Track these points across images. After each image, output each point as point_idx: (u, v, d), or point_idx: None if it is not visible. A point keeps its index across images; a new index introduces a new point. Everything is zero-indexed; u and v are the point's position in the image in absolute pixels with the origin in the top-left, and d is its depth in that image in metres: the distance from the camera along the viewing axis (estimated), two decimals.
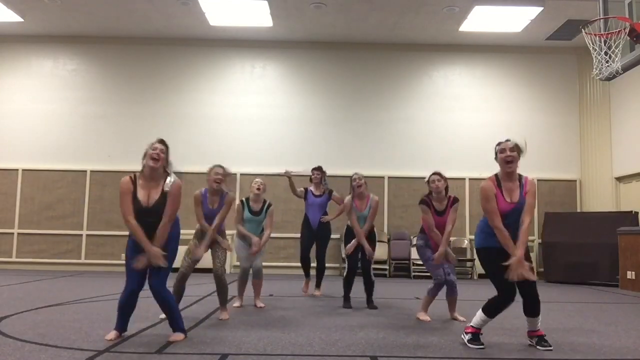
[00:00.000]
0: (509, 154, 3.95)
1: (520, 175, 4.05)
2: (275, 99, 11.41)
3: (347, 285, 6.14)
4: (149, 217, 3.94)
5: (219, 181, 5.06)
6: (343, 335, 4.37)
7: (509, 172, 3.98)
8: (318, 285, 7.23)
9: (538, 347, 3.98)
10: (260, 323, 4.88)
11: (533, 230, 10.57)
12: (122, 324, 4.09)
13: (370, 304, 6.05)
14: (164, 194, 3.98)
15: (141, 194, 3.95)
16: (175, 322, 4.12)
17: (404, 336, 4.37)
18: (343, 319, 5.20)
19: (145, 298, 6.46)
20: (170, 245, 4.06)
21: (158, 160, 3.94)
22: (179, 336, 4.04)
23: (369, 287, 6.10)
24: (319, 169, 7.32)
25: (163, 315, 5.12)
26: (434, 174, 5.18)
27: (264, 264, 6.16)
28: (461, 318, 5.23)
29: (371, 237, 6.06)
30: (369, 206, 5.97)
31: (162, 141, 4.06)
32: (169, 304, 4.09)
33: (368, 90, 11.47)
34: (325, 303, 6.42)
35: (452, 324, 5.10)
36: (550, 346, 3.96)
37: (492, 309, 4.01)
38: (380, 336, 4.35)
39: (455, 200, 5.23)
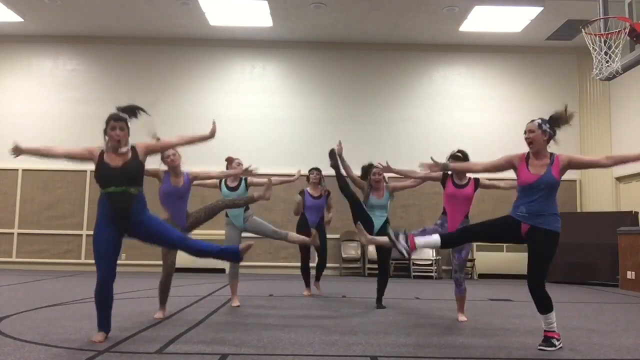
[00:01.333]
0: (527, 136, 4.04)
1: (552, 154, 4.08)
2: (275, 99, 11.41)
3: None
4: (119, 180, 3.90)
5: (172, 161, 5.16)
6: (343, 335, 4.37)
7: (532, 152, 4.05)
8: (318, 279, 7.23)
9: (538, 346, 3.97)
10: (260, 323, 4.88)
11: None
12: (103, 322, 3.99)
13: (379, 302, 6.02)
14: (134, 156, 4.01)
15: (109, 160, 3.96)
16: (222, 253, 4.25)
17: (404, 336, 4.37)
18: (343, 319, 5.20)
19: (145, 298, 6.48)
20: (157, 220, 4.09)
21: (120, 142, 3.97)
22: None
23: (382, 285, 6.04)
24: (317, 169, 7.27)
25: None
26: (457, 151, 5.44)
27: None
28: (462, 318, 5.21)
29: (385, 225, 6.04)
30: (386, 195, 6.02)
31: (118, 118, 4.02)
32: (207, 249, 4.15)
33: (368, 90, 11.47)
34: (325, 303, 6.42)
35: (453, 323, 5.08)
36: (547, 348, 3.90)
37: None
38: (380, 336, 4.35)
39: (477, 180, 5.27)
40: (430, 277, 10.25)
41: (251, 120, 11.32)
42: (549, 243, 4.01)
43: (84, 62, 11.53)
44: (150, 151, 4.20)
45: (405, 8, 9.76)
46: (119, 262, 4.05)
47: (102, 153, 4.01)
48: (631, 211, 9.62)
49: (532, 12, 9.69)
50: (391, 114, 11.40)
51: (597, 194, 10.92)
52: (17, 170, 11.07)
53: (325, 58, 11.57)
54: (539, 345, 3.95)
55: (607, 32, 6.10)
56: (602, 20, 6.22)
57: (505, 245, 10.48)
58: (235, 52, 11.54)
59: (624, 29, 5.84)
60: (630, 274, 8.55)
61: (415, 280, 10.04)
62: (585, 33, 6.21)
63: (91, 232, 4.03)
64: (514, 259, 10.31)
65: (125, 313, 5.19)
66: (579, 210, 10.91)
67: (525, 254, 4.12)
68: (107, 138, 4.02)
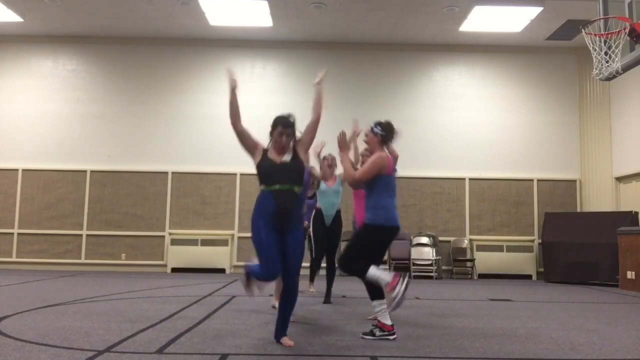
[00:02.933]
0: (364, 138, 4.76)
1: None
2: (275, 99, 11.41)
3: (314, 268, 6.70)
4: (283, 174, 3.97)
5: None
6: (343, 335, 4.37)
7: (370, 152, 4.72)
8: (312, 280, 7.32)
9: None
10: (260, 323, 4.88)
11: (533, 230, 10.64)
12: (287, 324, 4.01)
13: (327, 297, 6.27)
14: (295, 154, 4.13)
15: (273, 157, 4.07)
16: (287, 324, 4.03)
17: (404, 336, 4.37)
18: (343, 319, 5.20)
19: (146, 298, 6.47)
20: (299, 235, 4.03)
21: (284, 148, 4.13)
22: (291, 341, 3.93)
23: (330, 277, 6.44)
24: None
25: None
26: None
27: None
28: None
29: (338, 222, 6.48)
30: (338, 181, 6.47)
31: (288, 125, 4.26)
32: (295, 301, 4.01)
33: (368, 90, 11.47)
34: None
35: (453, 323, 5.08)
36: (366, 337, 4.15)
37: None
38: None
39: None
40: (430, 277, 10.24)
41: (251, 120, 11.10)
42: (361, 231, 4.59)
43: (84, 62, 11.53)
44: (305, 148, 4.27)
45: (405, 8, 9.76)
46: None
47: (265, 150, 4.11)
48: (631, 211, 9.61)
49: (532, 12, 9.68)
50: (391, 114, 11.31)
51: (597, 194, 10.91)
52: (17, 170, 11.07)
53: (325, 58, 11.55)
54: (362, 333, 4.22)
55: (607, 32, 6.10)
56: (602, 20, 6.22)
57: (505, 245, 10.51)
58: (235, 52, 11.54)
59: (624, 29, 5.84)
60: (630, 274, 8.55)
61: (415, 280, 10.03)
62: (585, 33, 6.21)
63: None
64: (514, 259, 10.31)
65: (125, 313, 5.19)
66: (579, 210, 10.90)
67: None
68: (271, 138, 4.15)
